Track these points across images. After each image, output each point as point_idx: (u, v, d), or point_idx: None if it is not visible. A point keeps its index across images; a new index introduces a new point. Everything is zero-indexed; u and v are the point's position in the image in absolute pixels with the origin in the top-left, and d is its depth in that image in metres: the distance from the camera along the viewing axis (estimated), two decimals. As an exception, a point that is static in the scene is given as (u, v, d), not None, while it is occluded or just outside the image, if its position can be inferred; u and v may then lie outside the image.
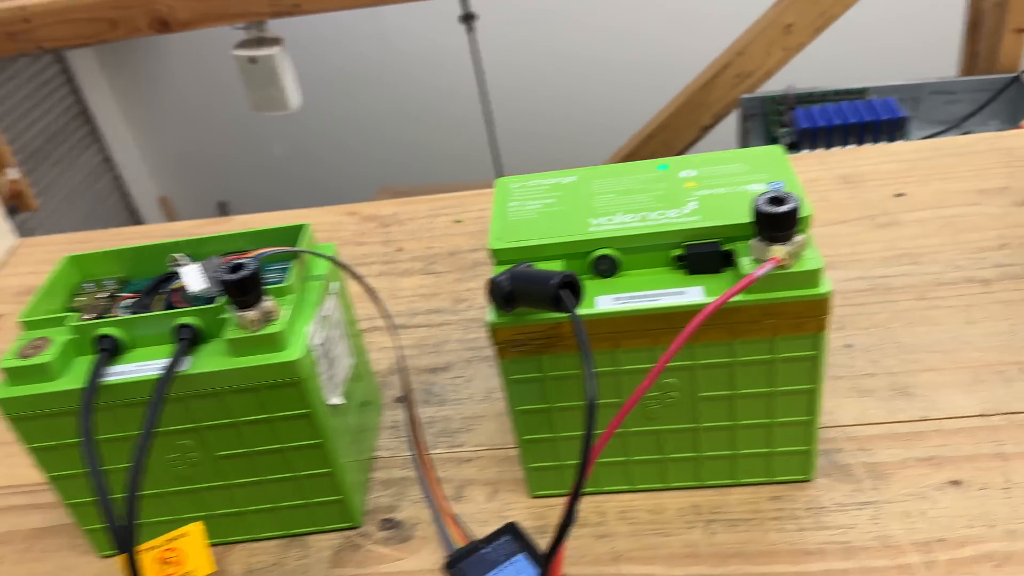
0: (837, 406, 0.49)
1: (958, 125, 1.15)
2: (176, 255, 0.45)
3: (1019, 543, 0.40)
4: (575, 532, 0.44)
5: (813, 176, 0.70)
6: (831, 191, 0.68)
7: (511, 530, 0.44)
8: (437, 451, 0.51)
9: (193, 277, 0.43)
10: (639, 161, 0.46)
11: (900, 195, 0.66)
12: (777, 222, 0.36)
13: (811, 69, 1.24)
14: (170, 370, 0.39)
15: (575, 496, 0.33)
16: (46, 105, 2.84)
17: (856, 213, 0.65)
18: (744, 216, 0.39)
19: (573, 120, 2.01)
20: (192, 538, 0.38)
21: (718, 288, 0.39)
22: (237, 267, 0.39)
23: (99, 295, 0.47)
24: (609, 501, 0.46)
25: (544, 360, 0.41)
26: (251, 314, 0.40)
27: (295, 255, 0.44)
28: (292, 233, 0.46)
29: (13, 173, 0.80)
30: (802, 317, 0.38)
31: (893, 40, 1.61)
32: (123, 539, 0.36)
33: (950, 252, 0.59)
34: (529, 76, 1.99)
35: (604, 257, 0.40)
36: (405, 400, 0.47)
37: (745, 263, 0.38)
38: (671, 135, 1.28)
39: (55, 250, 0.80)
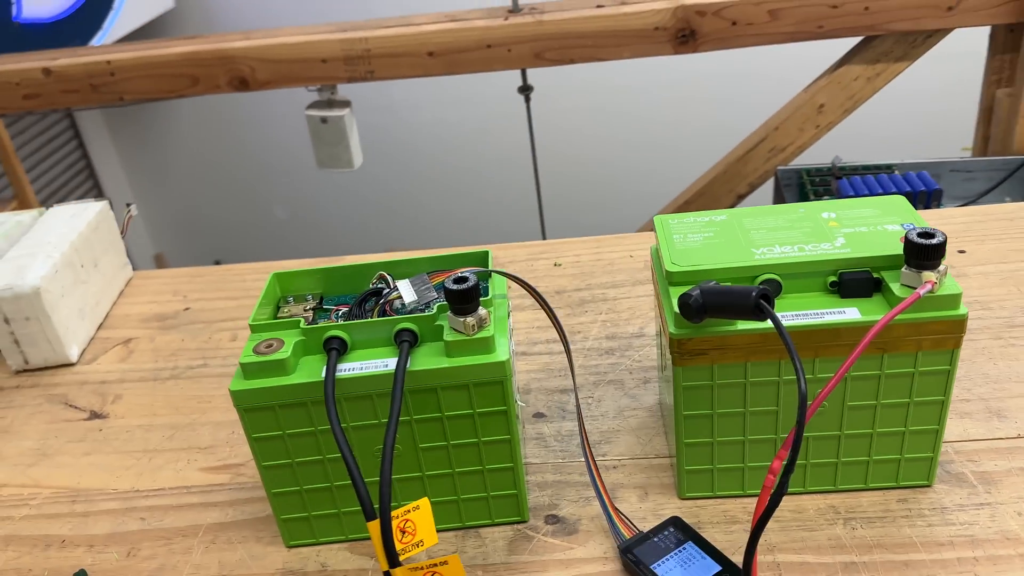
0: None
1: (975, 201, 1.25)
2: (384, 273, 0.51)
3: (1123, 537, 0.46)
4: (728, 529, 0.50)
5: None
6: (900, 247, 0.76)
7: (676, 522, 0.50)
8: (581, 460, 0.57)
9: (406, 290, 0.49)
10: (778, 205, 0.53)
11: (962, 252, 0.74)
12: (928, 252, 0.44)
13: (839, 147, 1.35)
14: (402, 366, 0.45)
15: (788, 469, 0.39)
16: (53, 159, 2.91)
17: (926, 266, 0.73)
18: (888, 249, 0.47)
19: (612, 188, 2.13)
20: (423, 511, 0.43)
21: (870, 310, 0.46)
22: (461, 279, 0.46)
23: (305, 306, 0.53)
24: (752, 504, 0.51)
25: (715, 369, 0.47)
26: (470, 320, 0.46)
27: (488, 275, 0.51)
28: (478, 258, 0.53)
29: (134, 209, 0.86)
30: (943, 335, 0.45)
31: (913, 122, 1.74)
32: (372, 508, 0.41)
33: (1016, 300, 0.67)
34: (570, 146, 2.11)
35: (770, 280, 0.47)
36: (577, 421, 0.53)
37: (896, 288, 0.45)
38: (708, 201, 1.37)
39: (164, 284, 0.86)
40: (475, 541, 0.51)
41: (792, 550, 0.48)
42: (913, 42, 1.25)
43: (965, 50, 1.35)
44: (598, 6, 1.24)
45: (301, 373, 0.47)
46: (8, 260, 0.73)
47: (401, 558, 0.41)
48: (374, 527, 0.41)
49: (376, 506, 0.41)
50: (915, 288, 0.44)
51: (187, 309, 0.80)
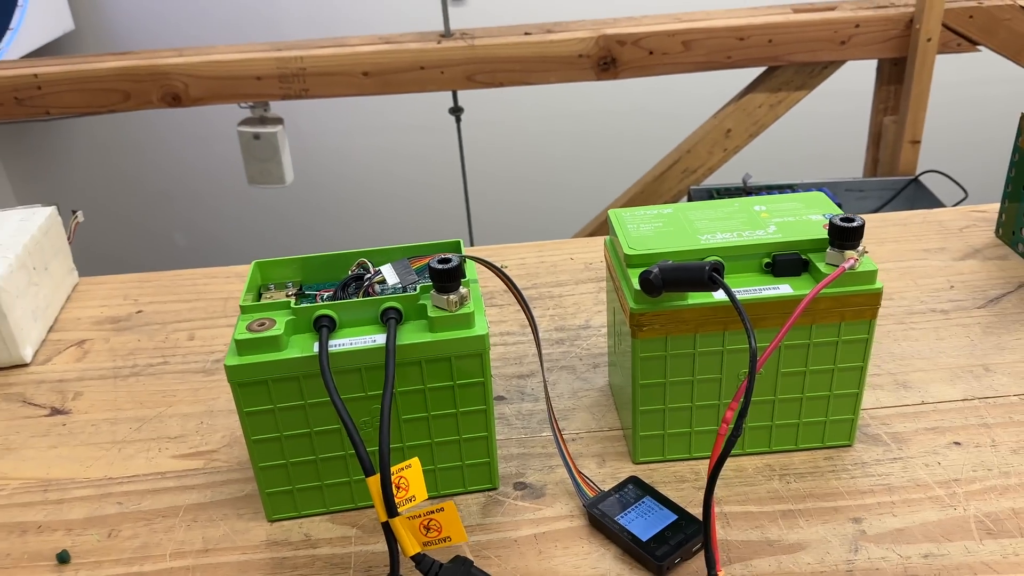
0: (857, 396, 0.63)
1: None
2: (363, 259, 0.55)
3: (1011, 479, 0.54)
4: (679, 487, 0.56)
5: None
6: (811, 249, 0.85)
7: (634, 481, 0.55)
8: (544, 435, 0.61)
9: (389, 273, 0.53)
10: (715, 200, 0.60)
11: (864, 252, 0.83)
12: (850, 234, 0.51)
13: (746, 168, 1.45)
14: (392, 339, 0.49)
15: (742, 414, 0.44)
16: None
17: (835, 264, 0.81)
18: (814, 234, 0.54)
19: (537, 206, 2.21)
20: (414, 469, 0.47)
21: (801, 286, 0.53)
22: (446, 260, 0.50)
23: (288, 293, 0.56)
24: (701, 464, 0.57)
25: (668, 340, 0.53)
26: (452, 297, 0.50)
27: (462, 260, 0.55)
28: (451, 246, 0.57)
29: (81, 215, 0.86)
30: (862, 307, 0.53)
31: (812, 147, 1.88)
32: (371, 465, 0.45)
33: (913, 292, 0.76)
34: (503, 162, 2.19)
35: (715, 262, 0.53)
36: (544, 393, 0.58)
37: (822, 266, 0.52)
38: (627, 219, 1.45)
39: (112, 289, 0.86)
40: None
41: (736, 502, 0.54)
42: (811, 72, 1.37)
43: (856, 83, 1.48)
44: (526, 33, 1.31)
45: (293, 349, 0.50)
46: (-40, 261, 0.73)
47: (407, 511, 0.45)
48: (374, 482, 0.45)
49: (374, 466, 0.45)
50: (838, 266, 0.52)
51: (139, 312, 0.81)
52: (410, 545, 0.45)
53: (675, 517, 0.52)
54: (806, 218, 0.56)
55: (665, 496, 0.53)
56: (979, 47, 1.33)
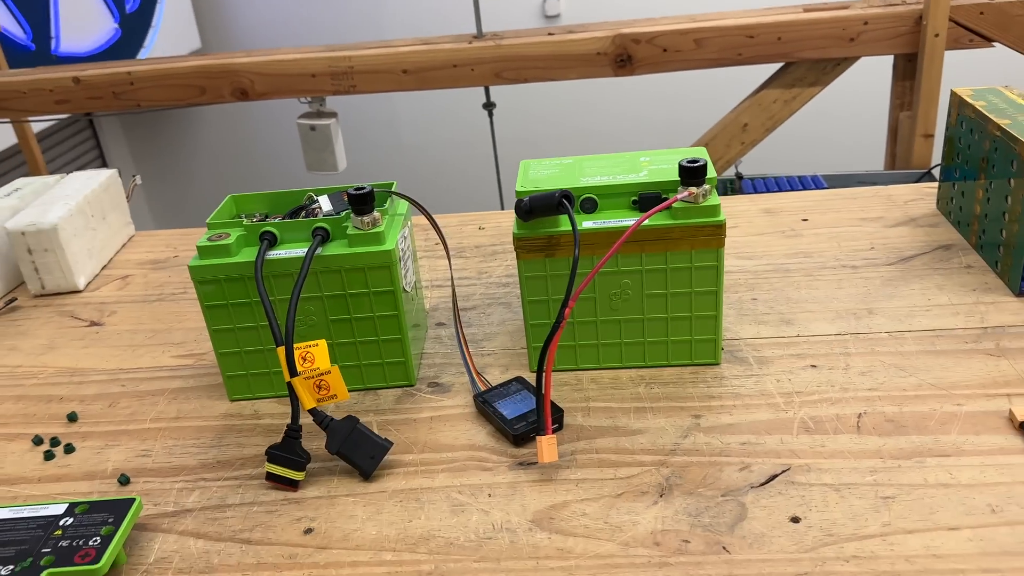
0: (741, 329, 0.71)
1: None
2: (311, 193, 0.69)
3: (848, 394, 0.62)
4: (560, 389, 0.66)
5: (742, 208, 0.95)
6: (755, 217, 0.93)
7: (518, 379, 0.66)
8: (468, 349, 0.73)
9: (325, 202, 0.67)
10: (614, 154, 0.71)
11: (805, 220, 0.91)
12: (692, 172, 0.61)
13: (763, 160, 1.52)
14: (312, 249, 0.62)
15: (564, 305, 0.55)
16: (77, 164, 3.14)
17: (771, 230, 0.89)
18: (676, 176, 0.64)
19: None
20: (320, 347, 0.59)
21: (655, 219, 0.62)
22: (360, 188, 0.63)
23: (253, 219, 0.70)
24: (585, 374, 0.68)
25: (547, 262, 0.64)
26: (366, 218, 0.63)
27: (388, 196, 0.68)
28: (386, 186, 0.70)
29: (138, 179, 1.04)
30: (709, 236, 0.62)
31: (830, 140, 1.91)
32: (280, 337, 0.58)
33: (834, 252, 0.83)
34: (532, 152, 2.37)
35: (588, 199, 0.64)
36: (453, 310, 0.70)
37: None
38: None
39: (160, 240, 1.03)
40: (372, 397, 0.68)
41: (602, 400, 0.64)
42: (824, 69, 1.43)
43: (875, 78, 1.52)
44: (549, 34, 1.43)
45: (241, 256, 0.64)
46: (34, 206, 0.91)
47: (304, 373, 0.58)
48: (281, 351, 0.58)
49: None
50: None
51: (175, 256, 0.98)
52: (308, 400, 0.57)
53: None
54: (675, 165, 0.66)
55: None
56: (993, 43, 1.35)
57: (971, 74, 1.48)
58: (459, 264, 0.89)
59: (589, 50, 1.40)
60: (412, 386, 0.68)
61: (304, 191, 0.71)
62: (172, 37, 3.46)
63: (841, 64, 1.42)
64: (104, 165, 3.37)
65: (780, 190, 1.36)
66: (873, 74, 1.48)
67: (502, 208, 1.72)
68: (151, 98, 1.46)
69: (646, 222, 0.62)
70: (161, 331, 0.81)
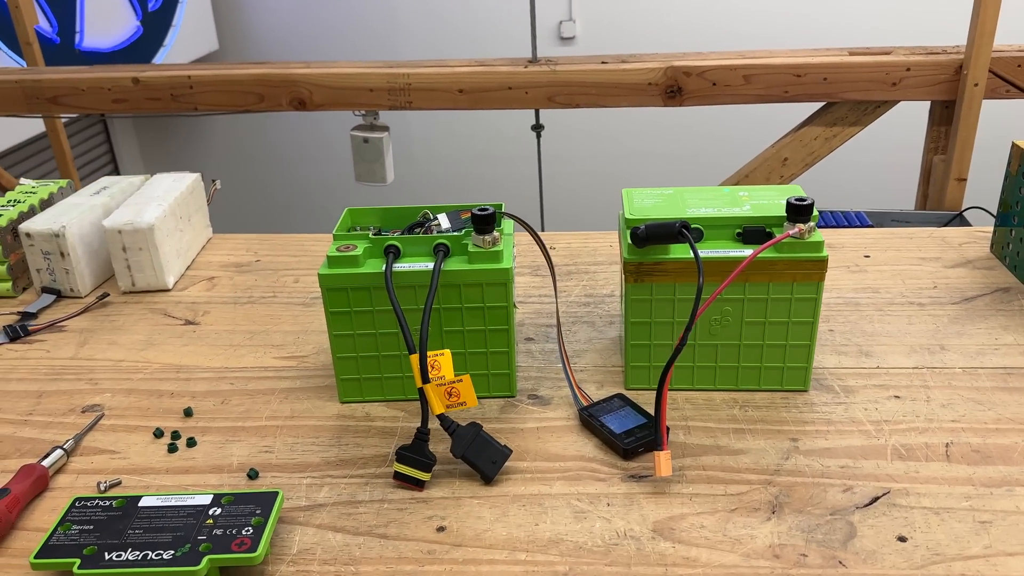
0: (823, 359, 0.75)
1: (913, 248, 1.47)
2: (427, 211, 0.73)
3: (933, 424, 0.66)
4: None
5: (807, 241, 0.99)
6: (820, 251, 0.97)
7: (620, 396, 0.70)
8: (560, 366, 0.77)
9: (444, 220, 0.71)
10: (711, 187, 0.75)
11: (867, 256, 0.95)
12: (800, 210, 0.65)
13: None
14: (439, 263, 0.66)
15: (688, 327, 0.59)
16: (84, 159, 3.16)
17: (836, 264, 0.94)
18: (779, 212, 0.68)
19: (605, 218, 2.41)
20: (446, 356, 0.63)
21: (762, 252, 0.67)
22: (484, 209, 0.67)
23: (369, 233, 0.74)
24: (678, 395, 0.71)
25: (653, 287, 0.68)
26: (487, 237, 0.67)
27: (501, 216, 0.72)
28: (494, 207, 0.74)
29: (219, 184, 1.08)
30: (810, 270, 0.66)
31: (866, 179, 1.97)
32: (414, 345, 0.61)
33: (899, 288, 0.88)
34: (575, 176, 2.40)
35: (695, 229, 0.68)
36: (556, 323, 0.73)
37: (779, 234, 0.66)
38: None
39: (237, 243, 1.06)
40: (476, 408, 0.71)
41: (700, 420, 0.68)
42: (864, 110, 1.48)
43: (910, 122, 1.58)
44: (602, 62, 1.48)
45: (368, 267, 0.68)
46: (128, 205, 0.94)
47: (436, 380, 0.61)
48: (414, 358, 0.61)
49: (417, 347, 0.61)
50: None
51: (258, 260, 1.01)
52: (437, 406, 0.61)
53: (645, 420, 0.66)
54: (777, 202, 0.70)
55: (643, 408, 0.68)
56: (1029, 94, 1.41)
57: (998, 123, 1.54)
58: (537, 282, 0.93)
59: (641, 80, 1.45)
60: (513, 397, 0.72)
61: (414, 208, 0.74)
62: (191, 37, 3.51)
63: (881, 107, 1.48)
64: (114, 164, 3.39)
65: (826, 225, 1.41)
66: (907, 117, 1.53)
67: (542, 226, 1.77)
68: (210, 103, 1.49)
69: (747, 254, 0.66)
70: (259, 333, 0.84)
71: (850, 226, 1.40)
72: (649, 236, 0.65)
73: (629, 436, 0.64)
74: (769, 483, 0.60)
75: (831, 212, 1.45)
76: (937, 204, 1.50)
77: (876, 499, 0.59)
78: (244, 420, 0.71)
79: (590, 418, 0.67)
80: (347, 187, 1.84)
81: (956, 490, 0.59)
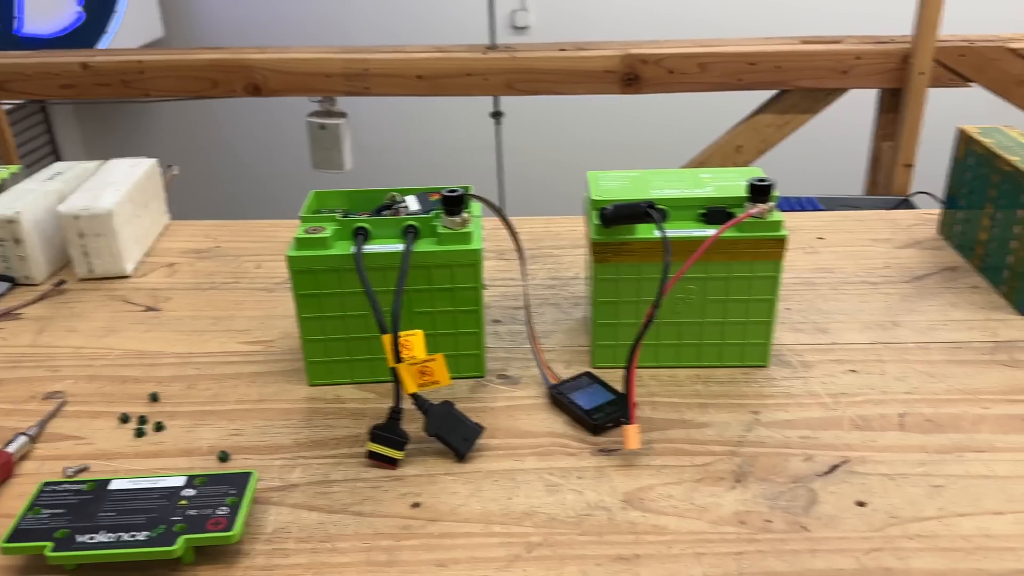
0: (781, 336, 0.78)
1: (862, 232, 1.51)
2: (394, 193, 0.73)
3: (888, 396, 0.69)
4: (621, 385, 0.71)
5: (764, 224, 1.02)
6: (776, 233, 1.00)
7: (588, 374, 0.71)
8: (527, 346, 0.78)
9: (413, 202, 0.71)
10: (675, 169, 0.76)
11: (820, 238, 0.98)
12: (760, 190, 0.67)
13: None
14: (409, 244, 0.66)
15: (656, 304, 0.60)
16: (25, 149, 3.07)
17: (792, 246, 0.96)
18: (740, 193, 0.70)
19: (562, 204, 2.42)
20: (417, 337, 0.63)
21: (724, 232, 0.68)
22: (454, 190, 0.68)
23: (336, 215, 0.73)
24: (643, 372, 0.73)
25: (619, 267, 0.69)
26: (457, 219, 0.67)
27: (469, 198, 0.73)
28: (462, 189, 0.74)
29: (176, 169, 1.06)
30: (770, 248, 0.68)
31: (816, 165, 2.02)
32: (386, 326, 0.62)
33: (852, 268, 0.91)
34: (534, 163, 2.41)
35: (660, 210, 0.70)
36: (524, 305, 0.74)
37: (740, 214, 0.68)
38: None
39: (196, 229, 1.05)
40: (446, 388, 0.72)
41: (666, 396, 0.70)
42: (816, 98, 1.52)
43: (858, 110, 1.63)
44: (560, 49, 1.49)
45: (337, 248, 0.68)
46: (84, 191, 0.93)
47: (408, 359, 0.62)
48: (387, 338, 0.62)
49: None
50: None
51: (218, 247, 1.00)
52: (410, 385, 0.62)
53: (613, 397, 0.67)
54: (738, 183, 0.72)
55: (610, 385, 0.69)
56: (971, 83, 1.46)
57: (943, 111, 1.59)
58: (503, 266, 0.94)
59: (598, 67, 1.47)
60: (482, 377, 0.73)
61: (382, 191, 0.75)
62: (135, 23, 3.42)
63: (832, 94, 1.51)
64: (55, 153, 3.30)
65: (780, 210, 1.44)
66: (856, 106, 1.58)
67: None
68: (162, 88, 1.46)
69: (710, 233, 0.68)
70: (223, 318, 0.84)
71: (803, 211, 1.43)
72: (617, 216, 0.67)
73: (598, 412, 0.66)
74: (733, 454, 0.62)
75: (784, 198, 1.48)
76: (885, 189, 1.55)
77: (835, 467, 0.61)
78: (212, 404, 0.70)
79: (559, 396, 0.68)
80: (301, 175, 1.83)
81: (910, 457, 0.62)
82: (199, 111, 3.00)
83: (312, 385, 0.72)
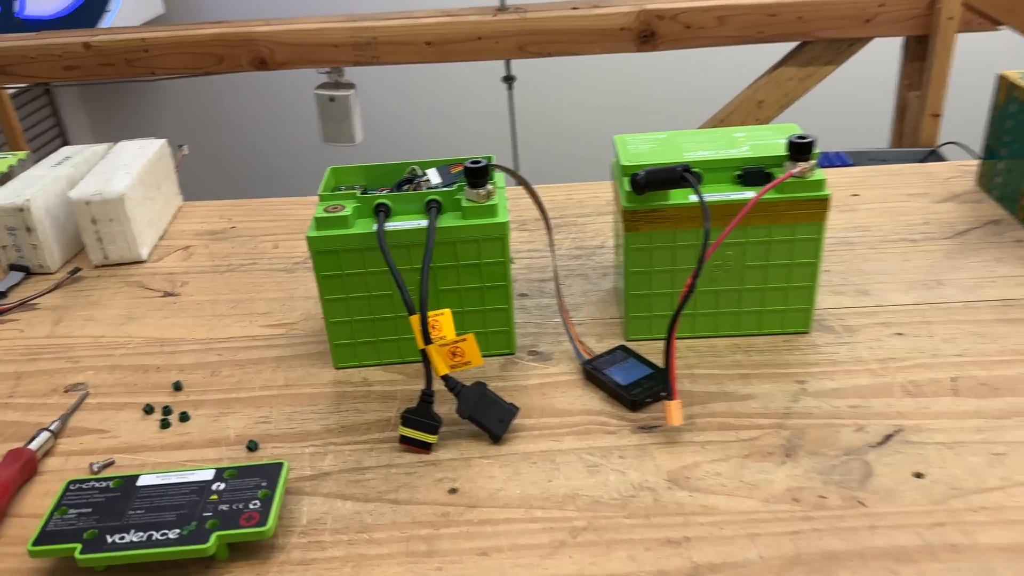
0: (822, 299, 0.75)
1: (890, 186, 1.47)
2: (415, 167, 0.70)
3: (939, 360, 0.66)
4: (660, 357, 0.69)
5: (795, 182, 0.98)
6: (808, 192, 0.96)
7: (622, 348, 0.68)
8: (556, 320, 0.75)
9: (434, 175, 0.68)
10: (705, 130, 0.73)
11: (855, 195, 0.95)
12: (801, 148, 0.64)
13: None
14: (433, 219, 0.63)
15: (696, 273, 0.58)
16: (31, 133, 3.04)
17: (826, 204, 0.93)
18: (778, 152, 0.66)
19: (579, 169, 2.37)
20: (446, 316, 0.61)
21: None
22: (477, 162, 0.64)
23: (356, 191, 0.71)
24: (681, 342, 0.70)
25: (653, 235, 0.66)
26: (481, 191, 0.64)
27: (493, 168, 0.70)
28: (486, 158, 0.71)
29: (186, 149, 1.03)
30: (812, 210, 0.65)
31: (841, 118, 1.96)
32: (414, 307, 0.59)
33: (890, 226, 0.87)
34: (549, 128, 2.36)
35: (694, 172, 0.66)
36: (554, 280, 0.71)
37: (781, 175, 0.65)
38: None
39: (210, 210, 1.03)
40: (476, 368, 0.69)
41: (705, 367, 0.67)
42: (839, 48, 1.47)
43: (883, 59, 1.57)
44: (573, 8, 1.44)
45: (358, 227, 0.65)
46: (95, 175, 0.90)
47: (439, 340, 0.59)
48: (415, 319, 0.59)
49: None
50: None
51: (233, 227, 0.98)
52: (441, 366, 0.59)
53: (651, 371, 0.65)
54: (774, 141, 0.69)
55: (645, 358, 0.67)
56: (1001, 26, 1.40)
57: (971, 56, 1.54)
58: (524, 237, 0.91)
59: (613, 25, 1.42)
60: (513, 354, 0.70)
61: (400, 164, 0.72)
62: (136, 2, 3.37)
63: (855, 44, 1.46)
64: (62, 135, 3.27)
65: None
66: (880, 55, 1.52)
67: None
68: (167, 66, 1.43)
69: (749, 196, 0.65)
70: (242, 301, 0.82)
71: (832, 166, 1.39)
72: (650, 182, 0.63)
73: (636, 387, 0.63)
74: (780, 426, 0.60)
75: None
76: (912, 141, 1.50)
77: (889, 437, 0.58)
78: (237, 391, 0.68)
79: (594, 371, 0.66)
80: (311, 150, 1.79)
81: (967, 423, 0.59)
82: (205, 88, 2.95)
83: (338, 368, 0.70)
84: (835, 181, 0.98)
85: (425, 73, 2.16)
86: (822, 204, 0.65)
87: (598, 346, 0.71)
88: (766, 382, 0.65)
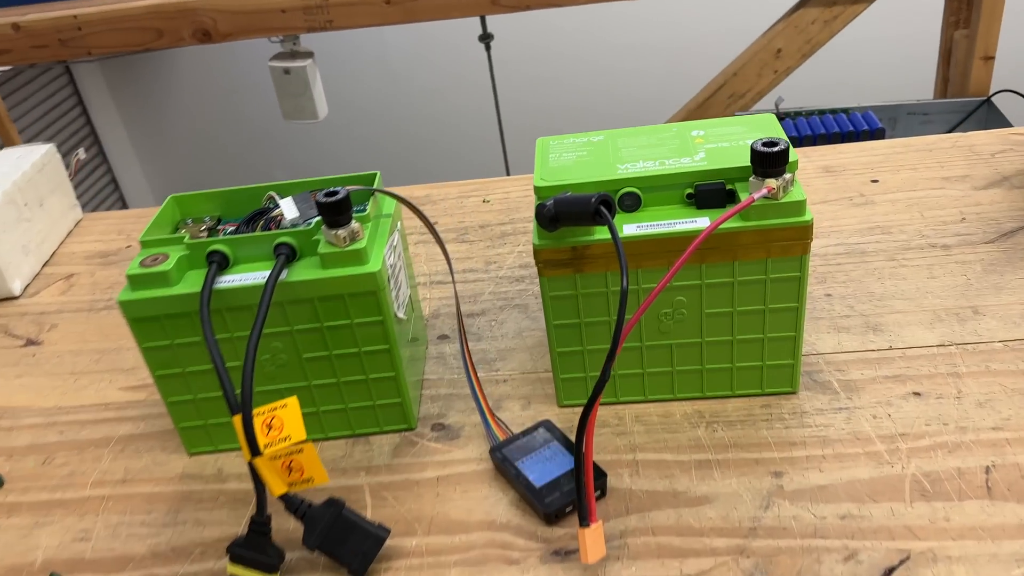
0: (818, 339, 0.57)
1: (932, 144, 1.26)
2: (272, 192, 0.54)
3: (967, 436, 0.49)
4: (598, 431, 0.53)
5: (798, 167, 0.80)
6: (813, 178, 0.78)
7: (545, 425, 0.52)
8: (479, 375, 0.59)
9: (289, 207, 0.52)
10: (654, 125, 0.55)
11: (875, 181, 0.76)
12: (770, 160, 0.46)
13: (799, 91, 1.35)
14: (274, 276, 0.48)
15: (610, 358, 0.41)
16: (52, 116, 2.93)
17: (835, 195, 0.74)
18: (743, 161, 0.49)
19: (571, 125, 2.15)
20: (290, 409, 0.46)
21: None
22: (332, 193, 0.48)
23: (201, 227, 0.55)
24: (627, 409, 0.54)
25: (577, 278, 0.50)
26: (342, 232, 0.48)
27: (370, 195, 0.53)
28: (367, 179, 0.55)
29: (82, 153, 0.89)
30: (790, 241, 0.47)
31: (874, 66, 1.73)
32: (236, 403, 0.44)
33: (917, 225, 0.69)
34: (536, 89, 2.14)
35: (629, 194, 0.49)
36: (458, 333, 0.56)
37: (744, 197, 0.47)
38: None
39: (111, 224, 0.89)
40: (363, 447, 0.54)
41: (653, 450, 0.51)
42: (869, -17, 1.25)
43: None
44: (554, -49, 1.25)
45: (184, 284, 0.49)
46: (-50, 198, 0.76)
47: (269, 451, 0.44)
48: (237, 421, 0.44)
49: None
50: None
51: (129, 247, 0.83)
52: (276, 485, 0.44)
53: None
54: (743, 143, 0.51)
55: (572, 441, 0.51)
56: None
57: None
58: (462, 251, 0.74)
59: (601, -31, 1.22)
60: (412, 429, 0.55)
61: (261, 188, 0.56)
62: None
63: (890, -24, 1.24)
64: (85, 114, 3.15)
65: (826, 130, 1.20)
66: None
67: (506, 165, 1.55)
68: (103, 44, 1.28)
69: (703, 224, 0.48)
70: (109, 351, 0.67)
71: (854, 129, 1.19)
72: (560, 216, 0.47)
73: (553, 491, 0.47)
74: (742, 551, 0.44)
75: (832, 114, 1.24)
76: (960, 90, 1.28)
77: (891, 571, 0.42)
78: (64, 490, 0.54)
79: (503, 462, 0.50)
80: (342, 119, 1.62)
81: (1002, 547, 0.42)
82: (215, 53, 2.79)
83: (191, 454, 0.56)
84: (849, 162, 0.80)
85: (393, 38, 1.96)
86: (803, 232, 0.47)
87: (522, 415, 0.55)
88: (730, 474, 0.48)
